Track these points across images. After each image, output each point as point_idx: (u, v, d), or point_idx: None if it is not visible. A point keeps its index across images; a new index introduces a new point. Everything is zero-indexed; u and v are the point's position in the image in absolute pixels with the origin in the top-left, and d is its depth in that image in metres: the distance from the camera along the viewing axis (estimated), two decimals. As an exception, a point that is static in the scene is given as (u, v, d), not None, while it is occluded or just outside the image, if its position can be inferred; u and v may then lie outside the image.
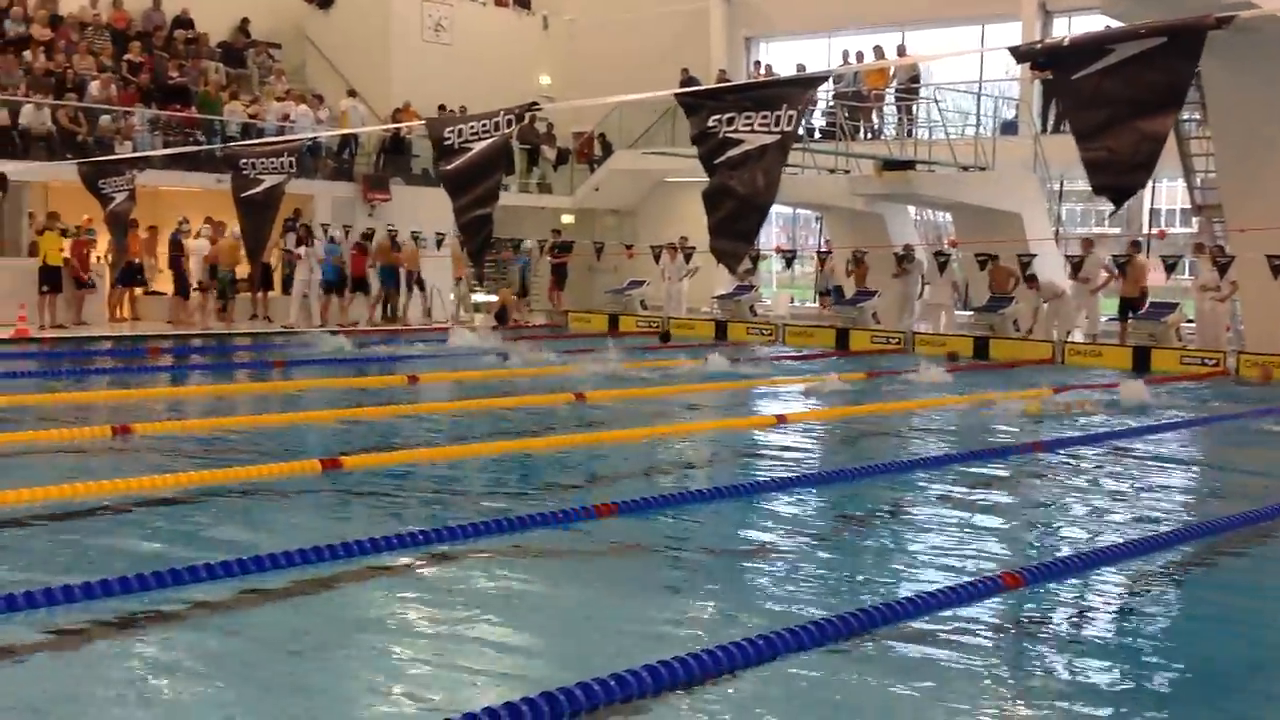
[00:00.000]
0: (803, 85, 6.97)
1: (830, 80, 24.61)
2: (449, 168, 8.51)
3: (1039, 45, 6.72)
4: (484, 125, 8.38)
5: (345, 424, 12.32)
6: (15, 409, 12.51)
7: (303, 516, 8.37)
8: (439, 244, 26.68)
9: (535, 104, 9.09)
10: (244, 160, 10.84)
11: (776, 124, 6.61)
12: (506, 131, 8.36)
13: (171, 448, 10.71)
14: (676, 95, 7.38)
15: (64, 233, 21.59)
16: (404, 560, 7.09)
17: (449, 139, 8.47)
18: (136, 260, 22.81)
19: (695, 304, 28.04)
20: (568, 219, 31.08)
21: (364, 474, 9.64)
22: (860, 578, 7.21)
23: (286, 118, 25.85)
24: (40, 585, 6.08)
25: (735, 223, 6.88)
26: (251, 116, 25.74)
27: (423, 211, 26.87)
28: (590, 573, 7.14)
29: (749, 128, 6.64)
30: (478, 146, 8.29)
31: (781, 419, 13.03)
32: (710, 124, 6.83)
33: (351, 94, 27.79)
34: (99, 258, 22.62)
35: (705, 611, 6.41)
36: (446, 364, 17.87)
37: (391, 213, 26.63)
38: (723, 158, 6.77)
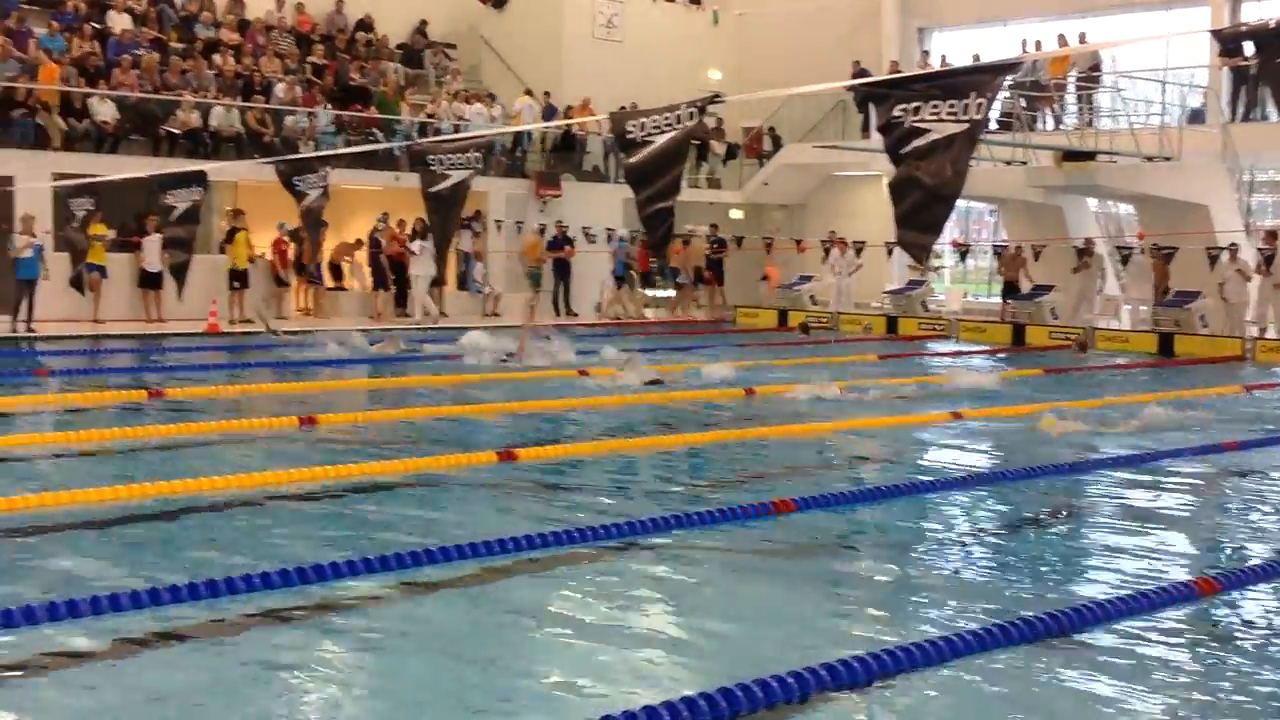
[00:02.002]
0: (992, 73, 6.78)
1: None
2: (632, 161, 8.55)
3: (1244, 28, 6.43)
4: (666, 118, 8.38)
5: (520, 417, 12.47)
6: (206, 400, 13.02)
7: (477, 508, 8.51)
8: (608, 239, 26.98)
9: (717, 96, 9.07)
10: (432, 157, 11.08)
11: (965, 112, 6.44)
12: (688, 124, 8.35)
13: (353, 438, 11.00)
14: (861, 86, 7.27)
15: (239, 230, 22.50)
16: (577, 554, 7.13)
17: (631, 132, 8.50)
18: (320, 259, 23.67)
19: (866, 299, 27.71)
20: (736, 214, 31.01)
21: (538, 466, 9.75)
22: (1040, 580, 7.01)
23: (461, 117, 26.35)
24: (222, 573, 6.29)
25: (922, 213, 6.75)
26: (429, 116, 26.31)
27: (592, 207, 27.21)
28: (764, 570, 7.09)
29: (936, 117, 6.49)
30: (660, 140, 8.30)
31: (958, 415, 12.77)
32: (896, 113, 6.69)
33: (528, 93, 28.17)
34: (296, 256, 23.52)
35: (880, 611, 6.30)
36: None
37: (562, 208, 26.97)
38: (909, 147, 6.63)
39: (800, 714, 4.86)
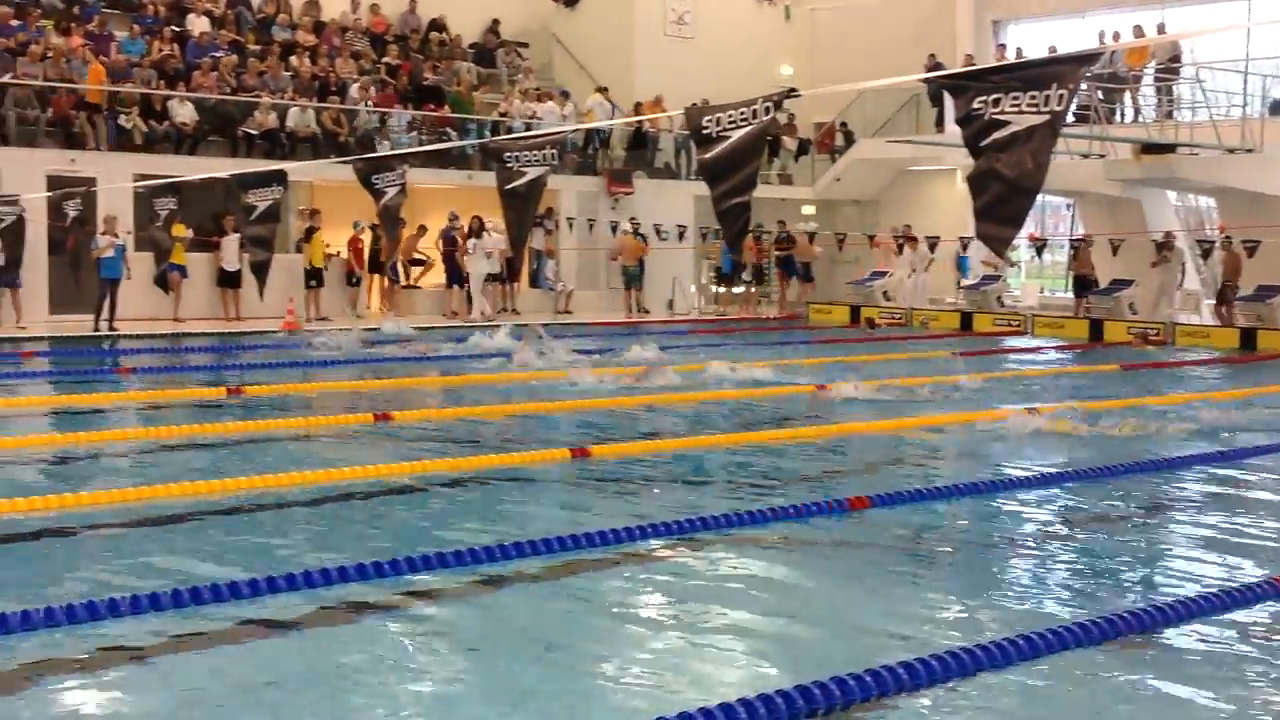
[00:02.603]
0: (1074, 63, 6.68)
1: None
2: (707, 156, 8.54)
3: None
4: (741, 113, 8.36)
5: (594, 413, 12.49)
6: (280, 397, 13.18)
7: (551, 503, 8.55)
8: (680, 236, 26.98)
9: (794, 90, 9.01)
10: (508, 153, 11.14)
11: (1046, 104, 6.36)
12: (764, 119, 8.32)
13: (428, 434, 11.10)
14: (939, 78, 7.18)
15: (315, 230, 22.77)
16: (650, 549, 7.13)
17: (707, 127, 8.49)
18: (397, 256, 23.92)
19: (940, 294, 27.49)
20: (809, 210, 30.86)
21: (612, 463, 9.78)
22: (1119, 578, 6.90)
23: (534, 115, 26.46)
24: (298, 567, 6.38)
25: (1002, 206, 6.68)
26: (501, 115, 26.44)
27: (664, 204, 27.21)
28: (839, 567, 7.05)
29: (1016, 108, 6.42)
30: (736, 135, 8.29)
31: (1033, 411, 12.60)
32: (975, 106, 6.62)
33: (600, 90, 28.24)
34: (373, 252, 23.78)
35: (956, 610, 6.23)
36: (688, 355, 17.97)
37: (634, 206, 27.00)
38: (989, 140, 6.56)
39: (875, 713, 4.82)
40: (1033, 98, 6.42)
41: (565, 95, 28.27)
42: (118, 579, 6.30)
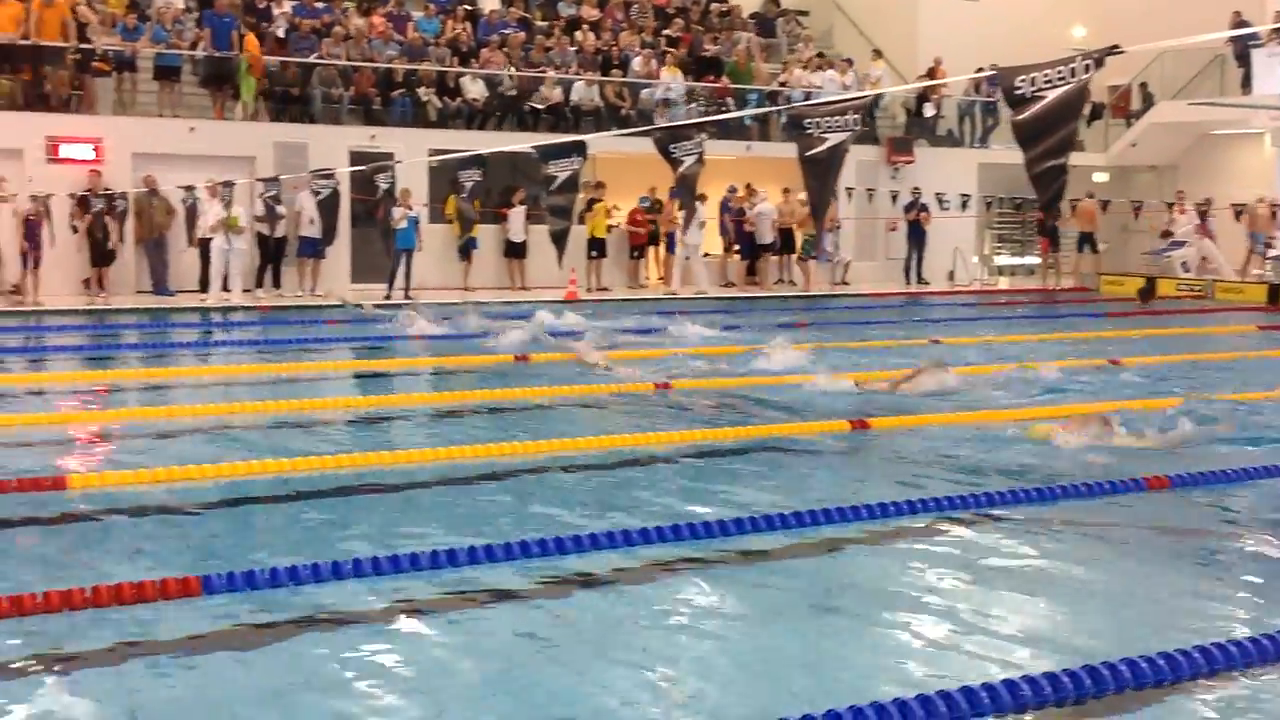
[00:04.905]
0: None
1: None
2: (1021, 117, 8.28)
3: None
4: (1059, 72, 8.06)
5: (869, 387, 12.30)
6: (559, 365, 13.50)
7: (829, 475, 8.51)
8: (963, 205, 26.30)
9: (1116, 47, 8.59)
10: (809, 120, 11.04)
11: None
12: (1084, 77, 7.99)
13: (705, 403, 11.18)
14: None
15: (598, 201, 23.20)
16: (930, 524, 7.02)
17: (1020, 88, 8.22)
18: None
19: (1248, 266, 25.89)
20: (1100, 177, 29.53)
21: (891, 435, 9.64)
22: None
23: (814, 84, 26.20)
24: (580, 529, 6.58)
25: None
26: (780, 84, 26.31)
27: (945, 173, 26.55)
28: (1128, 547, 6.77)
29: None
30: (1051, 94, 8.00)
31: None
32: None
33: (877, 54, 27.81)
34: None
35: (1255, 596, 5.90)
36: (970, 328, 17.53)
37: (915, 175, 26.45)
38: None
39: (1163, 699, 4.63)
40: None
41: (849, 62, 27.81)
42: (406, 535, 6.60)
